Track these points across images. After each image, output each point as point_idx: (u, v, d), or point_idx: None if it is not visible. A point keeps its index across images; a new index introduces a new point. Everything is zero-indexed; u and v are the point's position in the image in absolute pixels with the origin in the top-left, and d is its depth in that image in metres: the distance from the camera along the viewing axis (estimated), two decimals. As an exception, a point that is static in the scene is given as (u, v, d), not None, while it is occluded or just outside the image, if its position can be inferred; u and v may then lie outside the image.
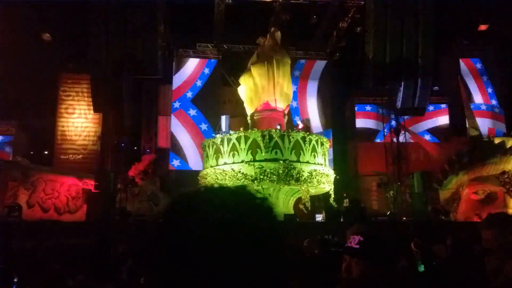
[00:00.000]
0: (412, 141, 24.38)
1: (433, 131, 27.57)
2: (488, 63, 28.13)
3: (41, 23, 22.59)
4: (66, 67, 25.27)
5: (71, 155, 24.76)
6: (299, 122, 21.68)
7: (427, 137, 26.93)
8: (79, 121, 25.23)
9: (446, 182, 21.79)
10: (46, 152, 26.60)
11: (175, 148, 24.99)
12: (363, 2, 21.15)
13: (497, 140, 21.88)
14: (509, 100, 27.24)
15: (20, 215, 17.30)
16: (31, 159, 23.22)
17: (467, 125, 24.70)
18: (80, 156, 24.80)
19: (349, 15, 22.28)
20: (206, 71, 26.07)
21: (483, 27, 23.38)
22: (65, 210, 21.32)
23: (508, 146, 20.71)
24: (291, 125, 22.38)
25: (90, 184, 20.68)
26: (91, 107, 22.67)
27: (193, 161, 24.65)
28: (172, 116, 25.44)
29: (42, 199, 20.83)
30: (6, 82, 23.45)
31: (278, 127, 19.77)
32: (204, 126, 25.33)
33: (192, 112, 25.51)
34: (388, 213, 21.06)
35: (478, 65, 28.24)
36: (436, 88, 25.72)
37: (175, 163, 24.98)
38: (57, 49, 23.68)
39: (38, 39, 22.48)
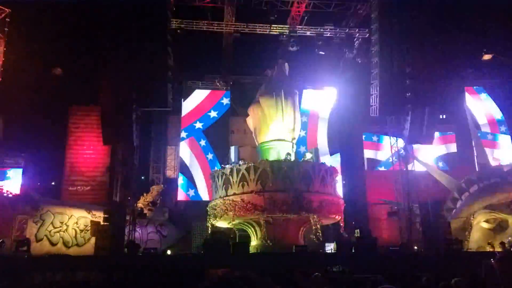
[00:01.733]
0: (420, 169, 24.30)
1: (440, 159, 27.55)
2: (492, 92, 28.37)
3: (52, 58, 23.07)
4: (76, 99, 25.59)
5: (79, 187, 24.72)
6: (307, 154, 21.66)
7: (437, 165, 26.90)
8: (88, 153, 25.33)
9: (457, 210, 21.60)
10: (53, 183, 26.60)
11: (189, 177, 25.02)
12: (367, 35, 21.58)
13: (506, 168, 21.82)
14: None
15: (29, 249, 17.12)
16: (39, 191, 23.21)
17: (474, 153, 24.67)
18: (89, 187, 24.76)
19: (355, 47, 22.67)
20: (225, 101, 26.35)
21: (487, 57, 23.72)
22: (73, 243, 21.13)
23: (518, 173, 20.63)
24: (300, 155, 22.42)
25: (99, 216, 20.56)
26: (100, 139, 22.84)
27: (202, 191, 24.63)
28: (182, 144, 25.57)
29: (50, 232, 20.70)
30: (16, 114, 23.78)
31: (288, 157, 19.82)
32: (210, 156, 25.45)
33: (202, 142, 25.69)
34: (400, 243, 20.79)
35: (483, 95, 28.52)
36: (443, 116, 25.88)
37: (190, 193, 24.95)
38: (67, 83, 24.08)
39: (50, 73, 22.91)
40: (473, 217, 21.17)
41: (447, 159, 27.60)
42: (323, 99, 27.21)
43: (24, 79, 22.52)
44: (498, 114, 28.54)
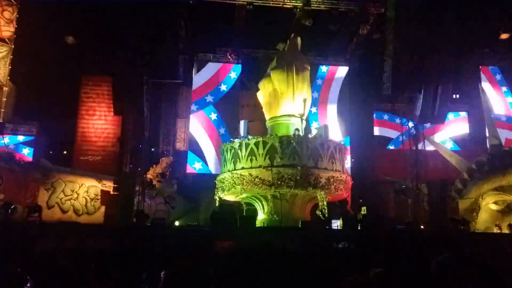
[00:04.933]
0: (430, 149, 24.12)
1: (452, 139, 27.24)
2: (508, 73, 27.68)
3: (65, 27, 22.98)
4: (88, 69, 25.62)
5: (90, 156, 25.06)
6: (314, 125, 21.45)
7: (449, 144, 26.63)
8: (99, 123, 25.56)
9: (466, 191, 21.52)
10: (65, 153, 26.97)
11: (196, 151, 25.18)
12: (383, 10, 21.07)
13: (517, 150, 21.56)
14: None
15: (40, 216, 17.49)
16: (51, 159, 23.59)
17: (487, 134, 24.33)
18: (99, 157, 25.08)
19: (369, 22, 22.17)
20: (233, 75, 26.17)
21: (504, 36, 23.08)
22: (83, 211, 21.57)
23: (529, 155, 20.35)
24: (309, 131, 22.33)
25: (109, 185, 20.89)
26: (111, 109, 22.99)
27: (212, 164, 24.78)
28: (192, 118, 25.63)
29: (61, 200, 21.12)
30: (28, 83, 23.94)
31: (296, 132, 19.75)
32: (222, 130, 25.48)
33: (213, 116, 25.69)
34: (406, 221, 20.85)
35: (498, 76, 27.85)
36: (456, 96, 25.47)
37: (197, 166, 25.10)
38: (79, 52, 24.06)
39: (62, 42, 22.88)
40: (481, 198, 21.06)
41: (458, 139, 27.30)
42: (337, 77, 26.86)
43: (37, 47, 22.53)
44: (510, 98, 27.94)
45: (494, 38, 23.85)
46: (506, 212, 20.53)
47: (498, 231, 18.55)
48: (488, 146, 24.06)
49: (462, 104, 27.10)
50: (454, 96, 24.66)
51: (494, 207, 20.63)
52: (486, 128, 23.95)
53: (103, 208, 19.95)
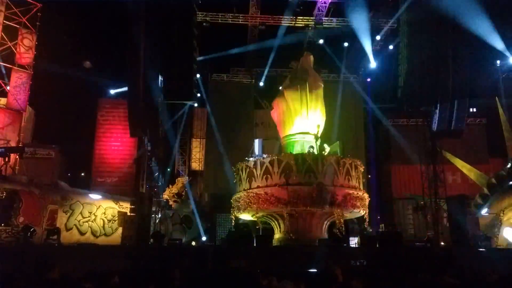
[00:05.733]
0: (449, 163, 23.73)
1: (470, 153, 26.74)
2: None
3: (82, 52, 23.62)
4: (105, 93, 26.21)
5: (107, 178, 25.37)
6: (325, 145, 21.34)
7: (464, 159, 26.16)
8: (115, 145, 25.96)
9: (486, 206, 21.06)
10: (82, 174, 27.35)
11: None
12: (396, 25, 21.11)
13: (539, 163, 21.08)
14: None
15: (59, 238, 17.66)
16: (69, 181, 23.91)
17: (507, 147, 23.85)
18: (116, 179, 25.38)
19: (382, 38, 22.21)
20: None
21: (523, 48, 22.80)
22: (101, 232, 21.71)
23: (551, 169, 19.87)
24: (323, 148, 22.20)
25: (125, 207, 21.05)
26: (127, 131, 23.31)
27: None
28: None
29: (79, 222, 21.32)
30: (47, 108, 24.51)
31: (311, 150, 19.69)
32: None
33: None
34: (426, 238, 20.42)
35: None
36: (474, 109, 25.15)
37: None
38: (97, 76, 24.64)
39: (80, 67, 23.47)
40: (503, 213, 20.57)
41: (476, 153, 26.79)
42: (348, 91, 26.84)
43: (55, 72, 23.13)
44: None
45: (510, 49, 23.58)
46: (528, 227, 19.99)
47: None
48: (508, 160, 23.53)
49: (480, 117, 26.70)
50: (471, 109, 24.34)
51: (516, 222, 20.11)
52: (506, 141, 23.49)
53: (120, 229, 20.06)
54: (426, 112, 21.48)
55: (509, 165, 21.63)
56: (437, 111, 20.56)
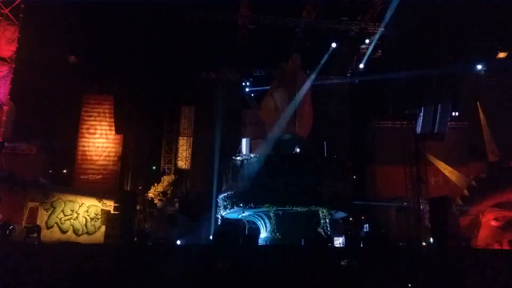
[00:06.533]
0: (431, 165, 24.26)
1: (451, 155, 27.32)
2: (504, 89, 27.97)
3: (67, 46, 23.04)
4: (89, 88, 25.61)
5: (90, 175, 24.87)
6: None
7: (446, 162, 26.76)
8: (100, 142, 25.37)
9: (466, 208, 21.61)
10: (65, 171, 26.76)
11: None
12: (383, 29, 21.45)
13: (516, 167, 21.75)
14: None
15: (39, 236, 17.23)
16: (50, 178, 23.38)
17: (486, 150, 24.54)
18: (100, 176, 24.90)
19: (370, 41, 22.54)
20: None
21: (502, 55, 23.56)
22: (83, 231, 21.31)
23: (529, 172, 20.54)
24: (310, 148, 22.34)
25: (109, 205, 20.72)
26: (113, 128, 22.98)
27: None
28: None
29: (61, 220, 20.87)
30: (29, 102, 23.87)
31: (298, 150, 19.80)
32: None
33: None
34: (408, 238, 20.83)
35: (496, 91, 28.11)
36: (456, 113, 25.75)
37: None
38: (81, 71, 24.08)
39: (64, 61, 22.91)
40: (482, 215, 21.15)
41: (457, 156, 27.36)
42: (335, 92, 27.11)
43: (38, 66, 22.55)
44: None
45: (491, 56, 24.27)
46: (506, 228, 20.58)
47: (499, 247, 18.57)
48: (487, 162, 24.23)
49: (462, 121, 27.31)
50: (454, 113, 24.94)
51: (494, 223, 20.70)
52: (486, 144, 24.18)
53: (103, 228, 19.74)
54: (411, 115, 21.93)
55: (488, 169, 22.29)
56: (422, 114, 21.04)
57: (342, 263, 15.74)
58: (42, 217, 20.32)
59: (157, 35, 19.16)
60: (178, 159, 26.37)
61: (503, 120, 24.57)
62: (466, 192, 22.41)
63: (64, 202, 21.13)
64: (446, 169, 24.40)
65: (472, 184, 22.21)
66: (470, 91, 26.43)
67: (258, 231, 19.85)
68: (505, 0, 21.32)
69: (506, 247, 18.35)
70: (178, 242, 21.63)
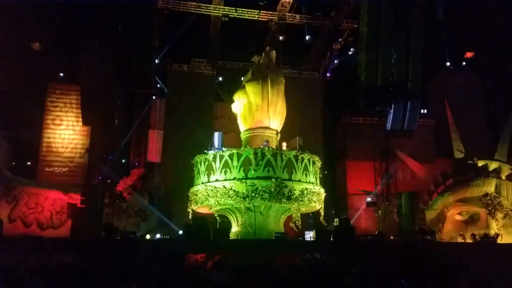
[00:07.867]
0: (400, 161, 24.80)
1: (419, 152, 28.04)
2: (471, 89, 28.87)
3: (31, 33, 22.05)
4: (55, 77, 24.62)
5: (56, 168, 24.00)
6: (283, 143, 21.53)
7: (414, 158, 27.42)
8: (66, 133, 24.46)
9: (432, 202, 22.15)
10: (29, 163, 25.80)
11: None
12: (356, 26, 21.64)
13: (480, 163, 22.42)
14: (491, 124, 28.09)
15: (1, 230, 16.58)
16: (13, 170, 22.49)
17: (453, 147, 25.24)
18: (66, 169, 24.05)
19: (343, 37, 22.70)
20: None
21: (469, 55, 24.24)
22: (48, 225, 20.61)
23: (491, 169, 21.27)
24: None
25: (76, 198, 20.10)
26: (80, 119, 22.20)
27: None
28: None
29: (24, 213, 20.12)
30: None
31: (265, 143, 19.77)
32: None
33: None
34: (376, 232, 21.25)
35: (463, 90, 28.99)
36: (424, 111, 26.41)
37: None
38: (46, 59, 23.09)
39: (28, 48, 21.91)
40: (447, 209, 21.75)
41: (425, 152, 28.11)
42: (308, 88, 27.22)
43: (0, 53, 21.50)
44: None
45: (460, 56, 24.99)
46: (469, 222, 21.25)
47: (462, 241, 19.25)
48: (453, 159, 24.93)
49: (430, 118, 28.02)
50: (422, 111, 25.55)
51: (458, 217, 21.31)
52: (452, 142, 24.84)
53: (69, 222, 19.19)
54: (382, 111, 22.30)
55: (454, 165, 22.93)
56: (392, 111, 21.43)
57: (314, 256, 15.99)
58: (4, 211, 19.57)
59: (127, 23, 18.55)
60: (148, 152, 25.88)
61: (469, 118, 25.40)
62: (432, 186, 22.99)
63: (27, 195, 20.38)
64: (414, 165, 24.98)
65: (439, 180, 22.79)
66: (438, 89, 27.17)
67: (229, 225, 19.81)
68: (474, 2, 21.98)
69: (469, 240, 19.01)
70: (148, 237, 21.31)
